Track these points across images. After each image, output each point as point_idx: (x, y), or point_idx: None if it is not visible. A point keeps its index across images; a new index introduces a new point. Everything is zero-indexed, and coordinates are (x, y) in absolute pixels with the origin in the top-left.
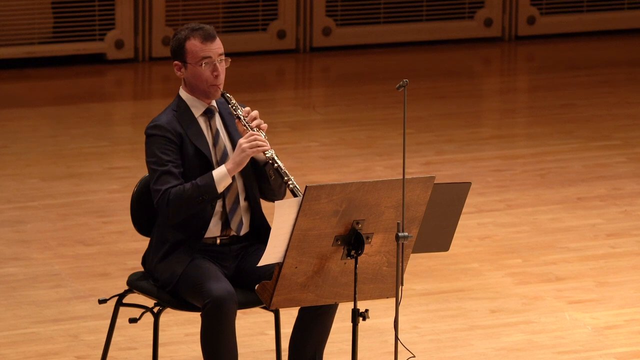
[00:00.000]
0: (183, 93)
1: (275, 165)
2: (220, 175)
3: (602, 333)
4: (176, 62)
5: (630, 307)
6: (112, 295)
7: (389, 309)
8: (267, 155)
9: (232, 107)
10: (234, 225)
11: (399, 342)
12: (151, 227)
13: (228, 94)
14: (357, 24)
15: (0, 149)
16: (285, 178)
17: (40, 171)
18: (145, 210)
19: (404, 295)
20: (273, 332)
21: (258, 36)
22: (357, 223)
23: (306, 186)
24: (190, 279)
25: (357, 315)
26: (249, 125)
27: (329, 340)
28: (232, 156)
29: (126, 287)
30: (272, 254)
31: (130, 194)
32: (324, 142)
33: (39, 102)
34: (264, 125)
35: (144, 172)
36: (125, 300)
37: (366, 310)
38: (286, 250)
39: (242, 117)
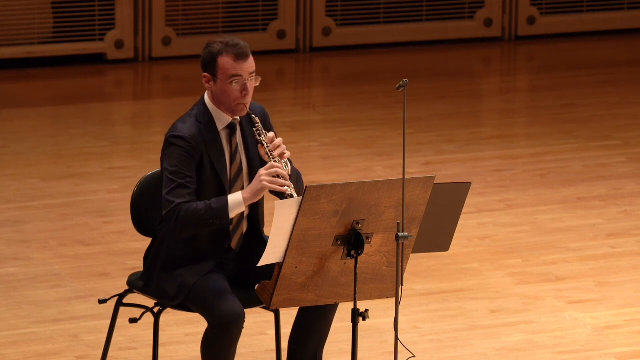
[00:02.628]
0: (209, 103)
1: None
2: (236, 202)
3: (602, 333)
4: (206, 74)
5: (630, 307)
6: (112, 295)
7: (389, 309)
8: (286, 190)
9: (256, 130)
10: (234, 243)
11: (399, 342)
12: (151, 227)
13: (254, 115)
14: (357, 24)
15: (0, 149)
16: None
17: (40, 171)
18: (145, 210)
19: (404, 295)
20: (273, 332)
21: (258, 36)
22: (357, 223)
23: (306, 186)
24: (199, 295)
25: (357, 315)
26: (271, 155)
27: (328, 340)
28: (251, 185)
29: (126, 287)
30: (272, 254)
31: (131, 194)
32: (324, 142)
33: (39, 102)
34: (287, 154)
35: (144, 172)
36: (125, 300)
37: (366, 310)
38: (286, 250)
39: (265, 144)
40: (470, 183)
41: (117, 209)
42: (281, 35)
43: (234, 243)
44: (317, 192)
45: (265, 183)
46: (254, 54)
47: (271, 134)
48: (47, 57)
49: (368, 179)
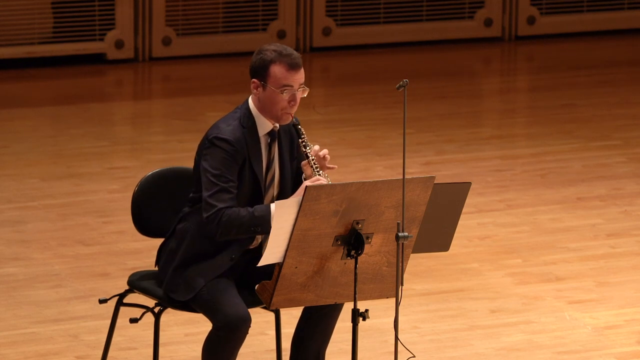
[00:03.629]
0: (253, 108)
1: None
2: None
3: (602, 333)
4: (255, 80)
5: (630, 307)
6: (112, 295)
7: (389, 309)
8: None
9: (302, 142)
10: (255, 241)
11: (399, 342)
12: (151, 227)
13: (300, 126)
14: (357, 24)
15: (0, 149)
16: None
17: (40, 171)
18: (145, 210)
19: (404, 295)
20: (273, 332)
21: (258, 36)
22: (357, 223)
23: (306, 186)
24: (207, 296)
25: (357, 315)
26: (315, 169)
27: None
28: (294, 195)
29: (126, 287)
30: (272, 254)
31: (131, 194)
32: (324, 142)
33: (39, 102)
34: (333, 167)
35: (144, 172)
36: (125, 300)
37: (366, 310)
38: (286, 250)
39: (310, 157)
40: (470, 183)
41: (117, 209)
42: (281, 35)
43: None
44: (317, 192)
45: None
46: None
47: (316, 147)
48: (47, 57)
49: (368, 179)
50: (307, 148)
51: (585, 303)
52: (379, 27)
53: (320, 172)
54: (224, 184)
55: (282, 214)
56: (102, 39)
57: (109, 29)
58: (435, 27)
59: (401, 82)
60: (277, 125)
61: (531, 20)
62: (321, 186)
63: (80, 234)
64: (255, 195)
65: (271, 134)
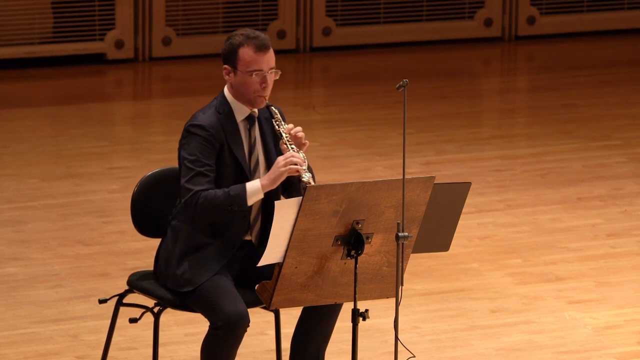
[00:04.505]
0: (228, 95)
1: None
2: (254, 189)
3: (602, 333)
4: (226, 66)
5: (630, 307)
6: (112, 295)
7: (389, 309)
8: (303, 179)
9: (275, 121)
10: (254, 235)
11: (399, 342)
12: (151, 227)
13: (273, 107)
14: (357, 24)
15: (0, 149)
16: None
17: (40, 171)
18: (145, 210)
19: (404, 295)
20: (273, 332)
21: None
22: (357, 223)
23: (306, 186)
24: (205, 294)
25: (357, 315)
26: (289, 144)
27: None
28: (269, 173)
29: (126, 287)
30: (272, 254)
31: (131, 194)
32: (324, 142)
33: (39, 102)
34: (306, 143)
35: (144, 172)
36: (125, 300)
37: (366, 310)
38: (286, 250)
39: (284, 135)
40: (470, 183)
41: (117, 209)
42: (281, 35)
43: (254, 237)
44: (317, 192)
45: (282, 169)
46: None
47: (290, 125)
48: (47, 57)
49: (368, 179)
50: (280, 127)
51: (585, 303)
52: (379, 27)
53: (294, 147)
54: (200, 168)
55: (282, 214)
56: (102, 39)
57: (109, 29)
58: (435, 27)
59: (401, 82)
60: (256, 110)
61: (531, 20)
62: (321, 186)
63: (80, 234)
64: (241, 180)
65: (249, 118)
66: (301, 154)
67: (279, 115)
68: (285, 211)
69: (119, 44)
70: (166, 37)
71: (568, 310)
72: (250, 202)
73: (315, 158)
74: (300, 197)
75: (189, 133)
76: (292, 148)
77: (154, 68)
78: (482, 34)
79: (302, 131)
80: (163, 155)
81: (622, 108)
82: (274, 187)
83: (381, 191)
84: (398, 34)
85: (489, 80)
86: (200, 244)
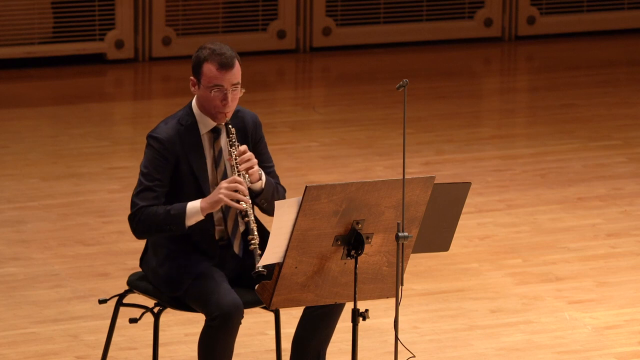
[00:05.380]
0: (195, 107)
1: (246, 219)
2: (193, 211)
3: (602, 333)
4: (192, 77)
5: (630, 307)
6: (112, 295)
7: (389, 309)
8: (242, 206)
9: (229, 141)
10: (236, 248)
11: (399, 342)
12: None
13: (230, 126)
14: (357, 24)
15: (0, 149)
16: (250, 236)
17: (40, 171)
18: None
19: (404, 295)
20: (273, 332)
21: (258, 36)
22: (357, 223)
23: (306, 186)
24: (198, 288)
25: (357, 315)
26: (236, 167)
27: None
28: (210, 195)
29: (126, 287)
30: (272, 254)
31: (130, 193)
32: (324, 142)
33: (39, 102)
34: (255, 169)
35: None
36: (125, 300)
37: (366, 310)
38: (286, 250)
39: (234, 156)
40: (470, 183)
41: (117, 209)
42: (281, 35)
43: (236, 248)
44: (317, 192)
45: (221, 196)
46: (254, 54)
47: (243, 147)
48: (47, 57)
49: (368, 179)
50: (233, 147)
51: (585, 303)
52: (379, 27)
53: (241, 172)
54: (149, 182)
55: (282, 214)
56: (102, 39)
57: (109, 29)
58: (435, 27)
59: (401, 82)
60: (223, 123)
61: (531, 20)
62: (321, 186)
63: (80, 234)
64: (200, 193)
65: (215, 130)
66: (246, 179)
67: (234, 135)
68: (285, 211)
69: (119, 44)
70: (166, 37)
71: (568, 310)
72: (189, 223)
73: (315, 158)
74: (301, 197)
75: (147, 143)
76: (237, 172)
77: (154, 68)
78: (482, 34)
79: (250, 159)
80: None
81: (622, 108)
82: (213, 210)
83: (381, 191)
84: (398, 34)
85: (488, 80)
86: (179, 251)
